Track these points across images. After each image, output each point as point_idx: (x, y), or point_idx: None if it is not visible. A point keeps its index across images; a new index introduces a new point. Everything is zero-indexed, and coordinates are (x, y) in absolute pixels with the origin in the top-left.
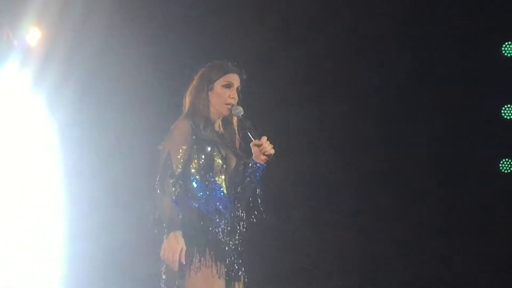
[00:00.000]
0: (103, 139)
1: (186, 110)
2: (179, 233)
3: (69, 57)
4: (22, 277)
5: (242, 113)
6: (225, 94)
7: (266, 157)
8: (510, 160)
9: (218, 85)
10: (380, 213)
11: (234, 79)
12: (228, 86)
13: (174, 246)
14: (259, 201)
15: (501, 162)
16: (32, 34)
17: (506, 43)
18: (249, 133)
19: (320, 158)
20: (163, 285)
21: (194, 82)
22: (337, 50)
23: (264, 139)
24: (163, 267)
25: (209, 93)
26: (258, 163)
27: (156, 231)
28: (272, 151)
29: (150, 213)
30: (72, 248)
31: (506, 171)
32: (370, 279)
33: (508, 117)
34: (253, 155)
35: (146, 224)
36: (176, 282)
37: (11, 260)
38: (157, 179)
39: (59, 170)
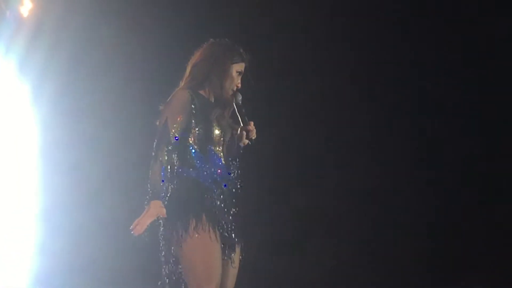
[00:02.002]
0: (96, 109)
1: (189, 80)
2: (158, 203)
3: (61, 27)
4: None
5: (240, 100)
6: (235, 80)
7: (248, 141)
8: None
9: (234, 69)
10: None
11: (244, 68)
12: (240, 73)
13: (145, 213)
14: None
15: None
16: (24, 5)
17: None
18: (240, 118)
19: (311, 129)
20: (162, 252)
21: (209, 55)
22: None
23: (251, 124)
24: (160, 232)
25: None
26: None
27: (147, 197)
28: (255, 136)
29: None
30: (65, 218)
31: None
32: (364, 248)
33: None
34: (237, 135)
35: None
36: (172, 248)
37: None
38: (154, 146)
39: (51, 139)
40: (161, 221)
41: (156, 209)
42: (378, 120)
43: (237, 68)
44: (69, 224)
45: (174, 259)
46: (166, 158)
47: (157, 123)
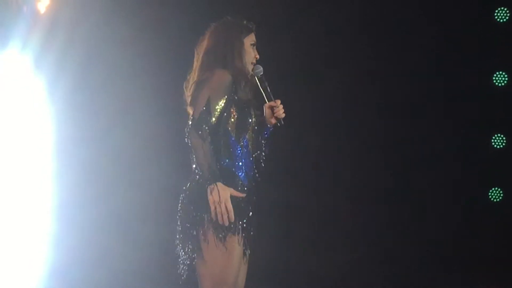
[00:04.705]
0: (110, 104)
1: (205, 68)
2: (220, 185)
3: (77, 24)
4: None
5: (262, 72)
6: (252, 53)
7: (276, 121)
8: (499, 189)
9: (247, 43)
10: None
11: (255, 38)
12: (254, 45)
13: (215, 199)
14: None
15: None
16: (42, 1)
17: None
18: (264, 94)
19: (328, 125)
20: (178, 243)
21: (218, 39)
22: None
23: (278, 102)
24: (178, 226)
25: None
26: (269, 125)
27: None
28: (283, 115)
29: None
30: (79, 212)
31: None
32: (376, 245)
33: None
34: (264, 116)
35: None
36: (190, 242)
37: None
38: (189, 125)
39: (65, 134)
40: (178, 216)
41: (226, 191)
42: (396, 119)
43: (249, 40)
44: (84, 218)
45: (191, 253)
46: (209, 137)
47: (196, 104)
